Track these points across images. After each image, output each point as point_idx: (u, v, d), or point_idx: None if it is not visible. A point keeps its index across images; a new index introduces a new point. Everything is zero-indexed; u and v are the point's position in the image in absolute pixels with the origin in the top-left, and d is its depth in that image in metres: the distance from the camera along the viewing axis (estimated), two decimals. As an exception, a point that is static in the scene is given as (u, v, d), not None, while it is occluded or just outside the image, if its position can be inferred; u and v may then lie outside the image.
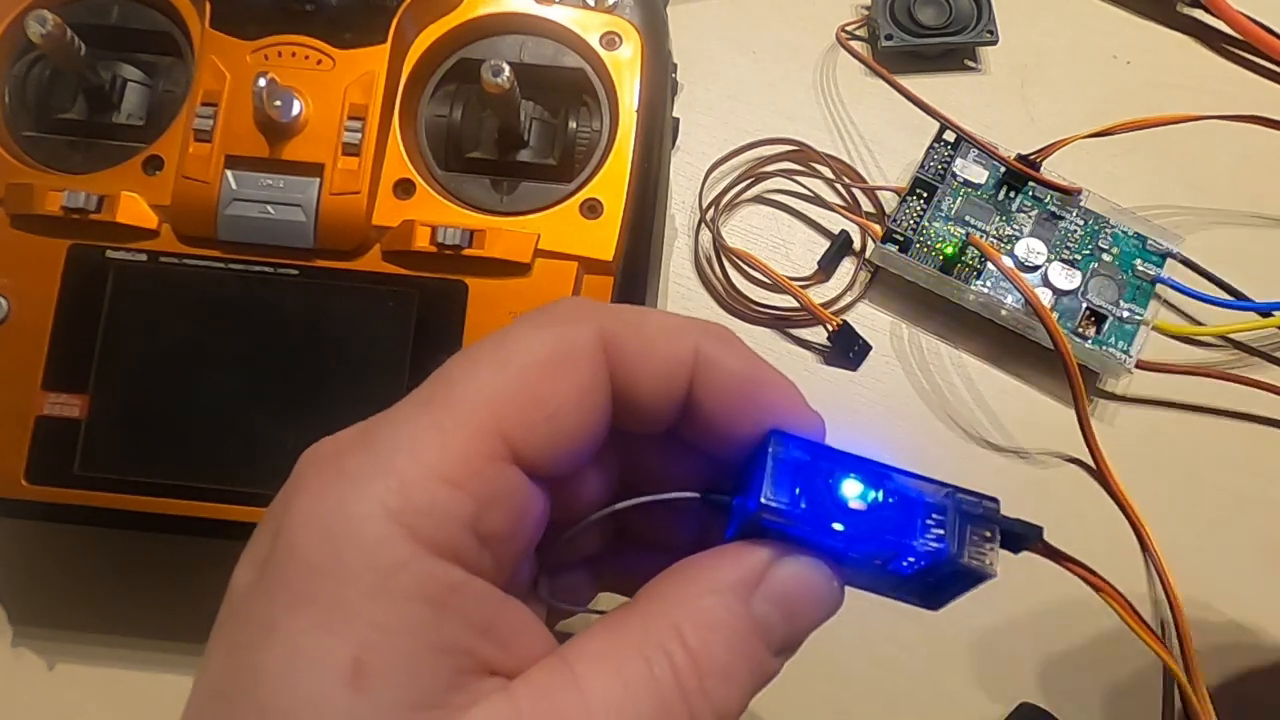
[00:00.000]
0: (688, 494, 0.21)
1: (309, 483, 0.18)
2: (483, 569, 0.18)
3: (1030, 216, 0.41)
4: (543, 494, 0.19)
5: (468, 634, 0.17)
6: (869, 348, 0.40)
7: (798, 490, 0.19)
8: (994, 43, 0.44)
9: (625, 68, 0.33)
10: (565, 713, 0.17)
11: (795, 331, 0.41)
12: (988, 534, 0.19)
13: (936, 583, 0.20)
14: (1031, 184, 0.41)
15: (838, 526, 0.19)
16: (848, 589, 0.20)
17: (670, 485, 0.21)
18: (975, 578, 0.19)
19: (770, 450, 0.19)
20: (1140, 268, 0.40)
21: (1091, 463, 0.38)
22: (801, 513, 0.19)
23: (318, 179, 0.31)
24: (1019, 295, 0.39)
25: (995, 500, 0.20)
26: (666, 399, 0.20)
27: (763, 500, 0.19)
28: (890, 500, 0.19)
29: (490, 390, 0.18)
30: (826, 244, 0.42)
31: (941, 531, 0.19)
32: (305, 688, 0.16)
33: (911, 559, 0.19)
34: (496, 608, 0.18)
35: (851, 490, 0.19)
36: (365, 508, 0.17)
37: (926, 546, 0.19)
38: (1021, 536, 0.20)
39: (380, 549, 0.17)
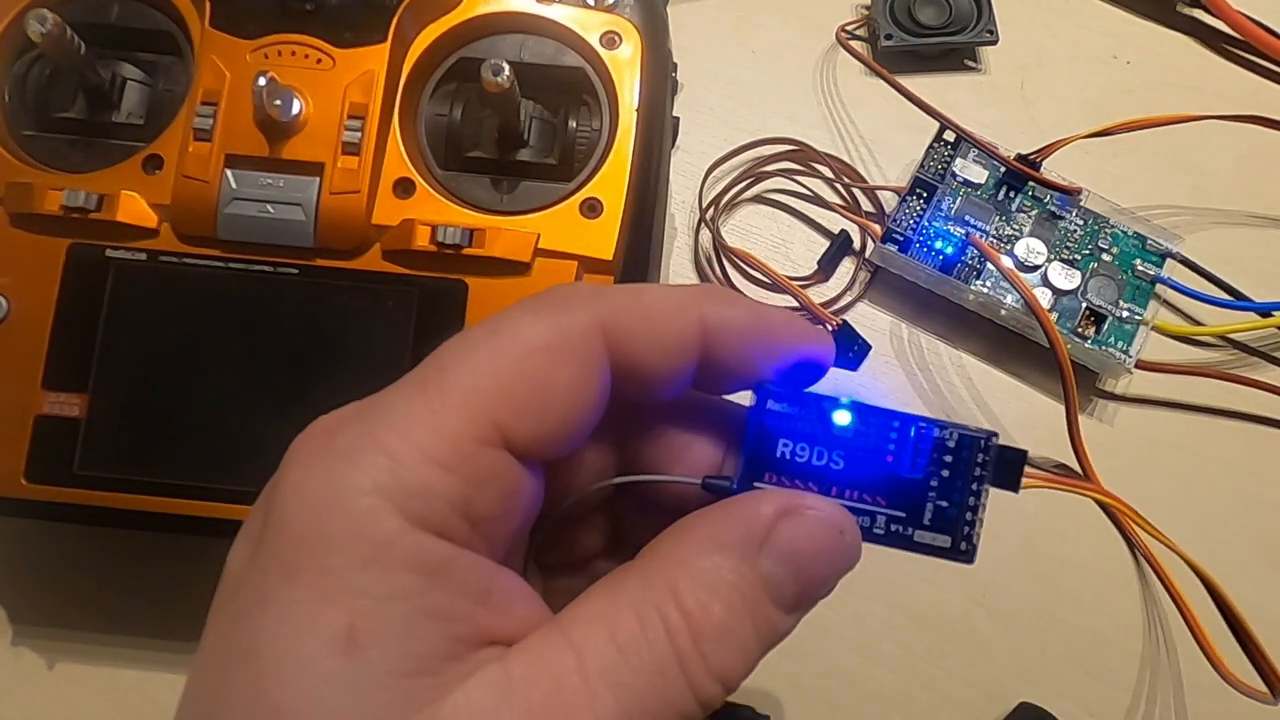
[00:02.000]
0: (689, 478, 0.21)
1: (301, 459, 0.18)
2: (473, 549, 0.18)
3: (1030, 216, 0.41)
4: (535, 477, 0.19)
5: (463, 600, 0.17)
6: (869, 348, 0.40)
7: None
8: (994, 43, 0.44)
9: (625, 67, 0.33)
10: (558, 678, 0.17)
11: (795, 331, 0.41)
12: (982, 443, 0.20)
13: (952, 481, 0.20)
14: (1031, 184, 0.41)
15: (843, 418, 0.20)
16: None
17: (670, 474, 0.21)
18: (984, 451, 0.20)
19: (763, 391, 0.21)
20: (1140, 268, 0.40)
21: (1077, 465, 0.38)
22: (804, 397, 0.20)
23: (317, 178, 0.31)
24: (1018, 295, 0.39)
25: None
26: (679, 370, 0.20)
27: (766, 387, 0.20)
28: (882, 419, 0.21)
29: (484, 376, 0.18)
30: (826, 244, 0.42)
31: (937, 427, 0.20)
32: (301, 656, 0.16)
33: (920, 426, 0.20)
34: (491, 576, 0.18)
35: (844, 418, 0.20)
36: (356, 482, 0.17)
37: (927, 425, 0.20)
38: (1014, 459, 0.20)
39: (371, 522, 0.17)
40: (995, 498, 0.21)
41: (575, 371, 0.19)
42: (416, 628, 0.17)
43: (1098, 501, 0.31)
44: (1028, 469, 0.21)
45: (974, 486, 0.20)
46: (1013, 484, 0.21)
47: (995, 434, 0.20)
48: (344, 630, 0.16)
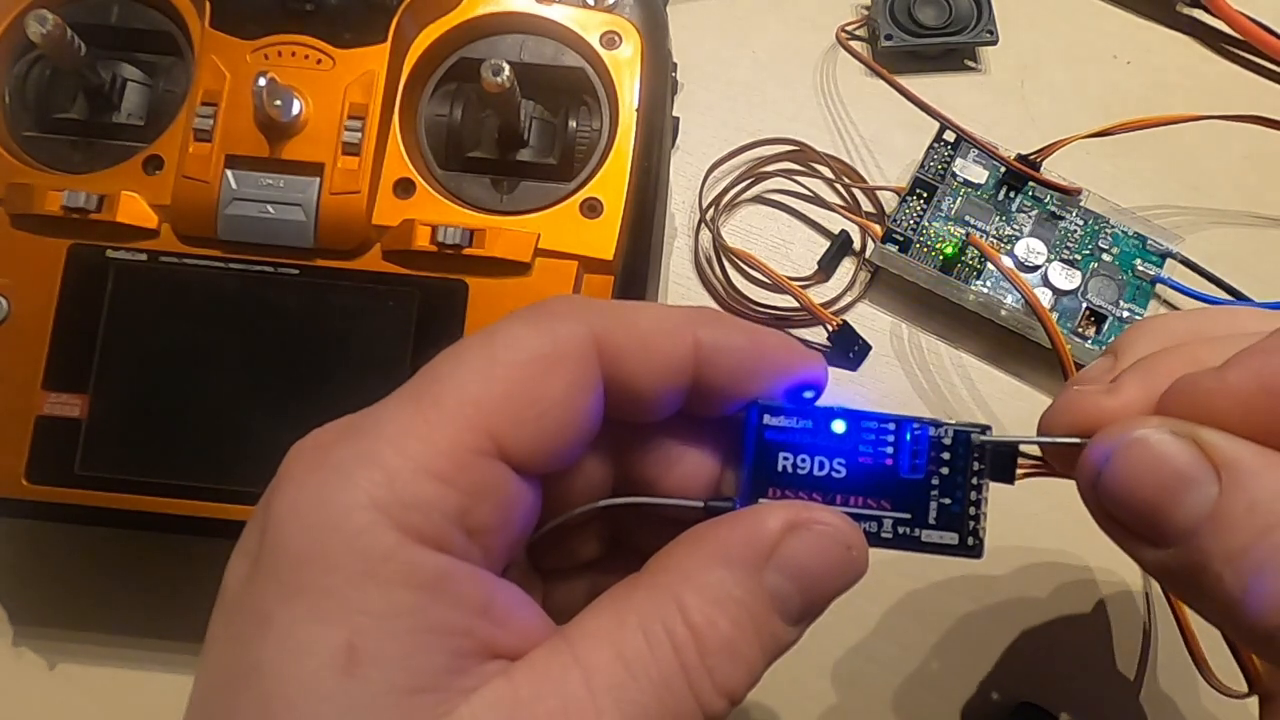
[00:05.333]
0: (690, 501, 0.21)
1: (295, 474, 0.18)
2: (471, 561, 0.18)
3: (1030, 216, 0.41)
4: (532, 490, 0.19)
5: (464, 615, 0.17)
6: (869, 348, 0.40)
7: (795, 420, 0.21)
8: (994, 43, 0.44)
9: (625, 67, 0.34)
10: (565, 695, 0.17)
11: (795, 331, 0.41)
12: (976, 435, 0.21)
13: (952, 478, 0.20)
14: (1031, 184, 0.41)
15: (839, 426, 0.20)
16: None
17: (669, 489, 0.21)
18: (975, 445, 0.21)
19: (757, 406, 0.21)
20: (1140, 268, 0.40)
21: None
22: (799, 409, 0.20)
23: (318, 178, 0.31)
24: (1019, 295, 0.39)
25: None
26: (671, 390, 0.20)
27: (761, 402, 0.20)
28: (878, 423, 0.21)
29: (477, 387, 0.18)
30: (826, 244, 0.42)
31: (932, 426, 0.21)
32: (302, 677, 0.16)
33: (915, 427, 0.20)
34: (491, 589, 0.18)
35: (840, 426, 0.21)
36: (351, 498, 0.17)
37: (922, 425, 0.21)
38: (1006, 452, 0.21)
39: (366, 538, 0.17)
40: (996, 499, 0.21)
41: (569, 382, 0.19)
42: (417, 644, 0.17)
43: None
44: (1021, 460, 0.21)
45: (974, 480, 0.21)
46: (1007, 477, 0.21)
47: (989, 427, 0.21)
48: (343, 649, 0.16)
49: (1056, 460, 0.21)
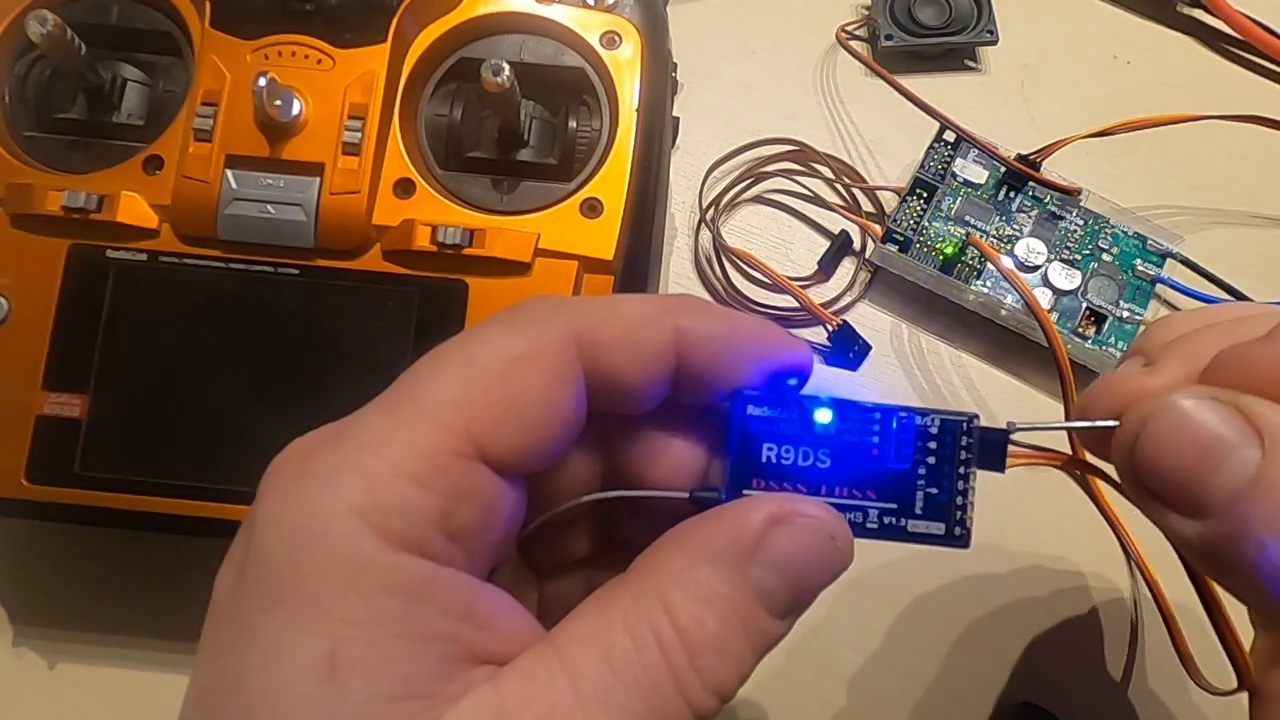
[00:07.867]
0: (675, 493, 0.21)
1: (277, 483, 0.18)
2: (454, 564, 0.18)
3: (1030, 216, 0.41)
4: (515, 491, 0.19)
5: (448, 621, 0.17)
6: (869, 348, 0.40)
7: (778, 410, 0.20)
8: (994, 43, 0.44)
9: (625, 67, 0.34)
10: (552, 701, 0.17)
11: (795, 331, 0.41)
12: (964, 425, 0.20)
13: (939, 467, 0.20)
14: (1031, 184, 0.41)
15: (824, 416, 0.20)
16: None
17: (657, 480, 0.21)
18: (967, 434, 0.20)
19: (742, 396, 0.21)
20: (1140, 268, 0.40)
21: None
22: (783, 399, 0.20)
23: (318, 178, 0.31)
24: (1018, 295, 0.39)
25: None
26: (655, 380, 0.20)
27: (745, 392, 0.20)
28: (863, 413, 0.21)
29: (456, 389, 0.18)
30: (826, 244, 0.42)
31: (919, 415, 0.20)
32: (284, 686, 0.16)
33: (901, 416, 0.20)
34: (475, 593, 0.18)
35: (825, 416, 0.20)
36: (331, 505, 0.17)
37: (908, 414, 0.20)
38: (996, 440, 0.21)
39: (347, 545, 0.17)
40: (996, 499, 0.21)
41: (549, 380, 0.19)
42: (401, 650, 0.16)
43: (1081, 472, 0.30)
44: (1014, 449, 0.21)
45: (961, 470, 0.20)
46: (998, 464, 0.21)
47: (976, 416, 0.20)
48: (325, 658, 0.16)
49: (1095, 447, 0.21)
